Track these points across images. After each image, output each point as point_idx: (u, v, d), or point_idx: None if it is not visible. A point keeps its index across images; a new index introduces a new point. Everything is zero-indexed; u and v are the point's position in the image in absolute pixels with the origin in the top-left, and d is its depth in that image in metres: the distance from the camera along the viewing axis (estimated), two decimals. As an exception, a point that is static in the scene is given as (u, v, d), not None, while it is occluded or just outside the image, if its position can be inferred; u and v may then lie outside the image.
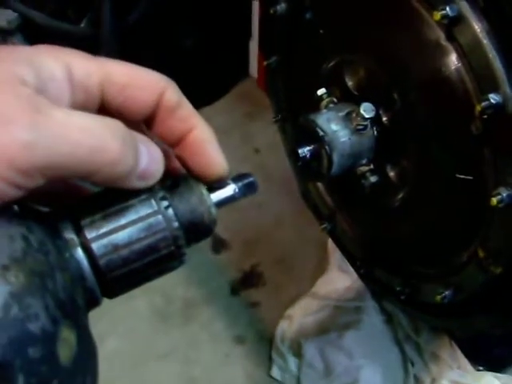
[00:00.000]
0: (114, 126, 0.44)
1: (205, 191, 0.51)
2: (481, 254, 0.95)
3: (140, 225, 0.46)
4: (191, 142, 0.52)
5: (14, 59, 0.43)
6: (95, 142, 0.42)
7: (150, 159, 0.46)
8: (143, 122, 0.53)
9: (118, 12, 1.84)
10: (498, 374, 1.47)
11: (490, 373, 1.48)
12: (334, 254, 1.82)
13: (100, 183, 0.44)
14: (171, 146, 0.53)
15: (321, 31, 1.16)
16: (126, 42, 1.88)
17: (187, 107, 0.52)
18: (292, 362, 1.70)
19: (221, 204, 0.53)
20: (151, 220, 0.47)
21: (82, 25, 1.90)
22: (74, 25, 1.89)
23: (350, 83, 1.13)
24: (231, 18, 2.33)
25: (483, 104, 0.84)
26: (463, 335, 1.16)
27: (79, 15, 1.91)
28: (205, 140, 0.52)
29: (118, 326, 1.82)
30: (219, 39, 2.34)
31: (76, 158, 0.41)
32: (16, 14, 1.74)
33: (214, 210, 0.51)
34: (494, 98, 0.83)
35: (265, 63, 1.39)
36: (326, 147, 1.04)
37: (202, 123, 0.52)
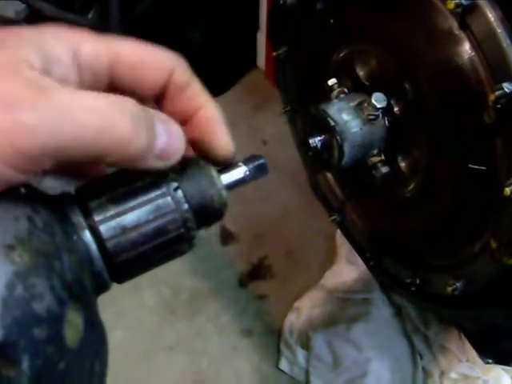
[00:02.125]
0: (124, 103, 0.42)
1: (215, 173, 0.51)
2: (493, 244, 0.94)
3: (148, 207, 0.46)
4: (199, 120, 0.51)
5: (19, 41, 0.42)
6: (102, 122, 0.40)
7: (168, 137, 0.45)
8: (153, 101, 0.52)
9: (125, 3, 1.84)
10: (507, 367, 1.47)
11: (499, 366, 1.48)
12: (343, 246, 1.82)
13: (114, 164, 0.43)
14: (180, 123, 0.52)
15: (331, 21, 1.16)
16: (134, 33, 1.87)
17: (196, 86, 0.51)
18: (300, 355, 1.70)
19: (231, 186, 0.52)
20: (160, 202, 0.46)
21: (90, 16, 1.90)
22: (82, 16, 1.88)
23: (361, 73, 1.12)
24: (239, 10, 2.33)
25: (497, 93, 0.83)
26: (474, 327, 1.15)
27: (86, 6, 1.90)
28: (213, 119, 0.52)
29: (125, 317, 1.82)
30: (227, 31, 2.33)
31: (82, 140, 0.39)
32: (24, 5, 1.74)
33: (224, 193, 0.51)
34: (507, 87, 0.82)
35: (274, 54, 1.39)
36: (337, 137, 1.03)
37: (211, 102, 0.52)
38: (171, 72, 0.49)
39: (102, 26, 1.84)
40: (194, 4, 2.13)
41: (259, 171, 0.53)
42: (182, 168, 0.50)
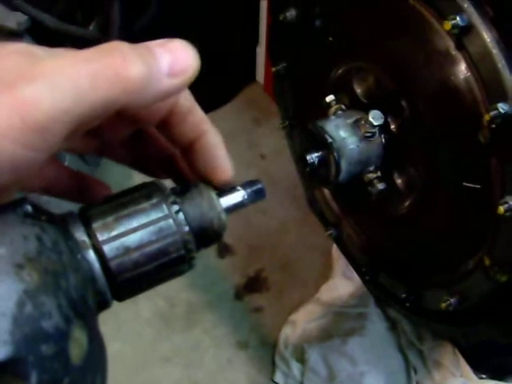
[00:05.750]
0: (107, 46, 0.42)
1: (215, 196, 0.52)
2: (487, 262, 0.95)
3: (151, 228, 0.47)
4: (201, 147, 0.52)
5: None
6: (93, 67, 0.40)
7: (173, 54, 0.44)
8: (155, 127, 0.53)
9: (126, 16, 1.85)
10: (501, 382, 1.48)
11: (493, 381, 1.49)
12: (338, 261, 1.82)
13: (133, 104, 0.42)
14: (182, 150, 0.54)
15: (330, 39, 1.17)
16: (134, 46, 1.88)
17: (199, 113, 0.52)
18: (295, 368, 1.70)
19: (230, 210, 0.53)
20: (162, 224, 0.47)
21: (91, 28, 1.91)
22: (83, 28, 1.89)
23: (358, 90, 1.13)
24: (239, 24, 2.34)
25: (492, 113, 0.84)
26: (468, 343, 1.16)
27: (87, 18, 1.91)
28: (214, 146, 0.53)
29: (122, 329, 1.83)
30: (227, 44, 2.34)
31: (82, 92, 0.39)
32: (25, 17, 1.74)
33: (223, 216, 0.52)
34: (502, 107, 0.83)
35: (273, 69, 1.40)
36: (335, 154, 1.04)
37: (212, 129, 0.53)
38: (175, 99, 0.50)
39: (103, 38, 1.85)
40: (193, 18, 2.14)
41: (257, 195, 0.55)
42: (183, 191, 0.51)
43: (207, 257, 1.99)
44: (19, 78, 0.38)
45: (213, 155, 0.53)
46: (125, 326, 1.84)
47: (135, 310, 1.87)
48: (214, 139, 0.53)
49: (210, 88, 2.17)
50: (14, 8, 1.74)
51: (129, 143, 0.56)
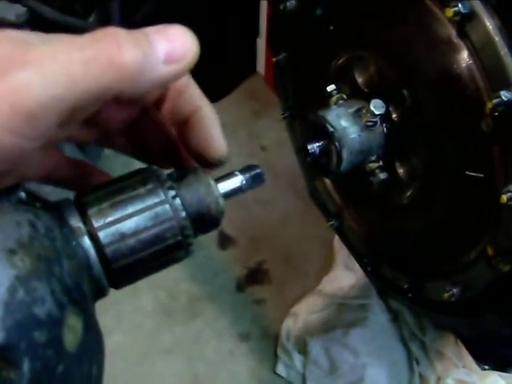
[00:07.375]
0: (102, 32, 0.41)
1: (212, 182, 0.52)
2: (489, 251, 0.95)
3: (147, 214, 0.46)
4: (195, 122, 0.53)
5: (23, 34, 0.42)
6: (86, 53, 0.39)
7: (170, 40, 0.43)
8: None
9: (126, 8, 1.84)
10: (504, 374, 1.48)
11: (496, 372, 1.48)
12: (340, 252, 1.82)
13: (128, 91, 0.42)
14: (177, 125, 0.54)
15: (331, 28, 1.16)
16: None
17: (194, 88, 0.52)
18: (297, 359, 1.70)
19: (228, 195, 0.53)
20: (158, 209, 0.47)
21: (90, 20, 1.90)
22: (82, 20, 1.88)
23: (359, 80, 1.13)
24: (239, 15, 2.33)
25: (494, 101, 0.83)
26: (470, 334, 1.15)
27: (86, 10, 1.90)
28: (208, 121, 0.53)
29: (123, 321, 1.82)
30: (227, 36, 2.34)
31: (74, 79, 0.38)
32: (25, 8, 1.74)
33: (221, 201, 0.51)
34: (505, 95, 0.83)
35: (274, 60, 1.39)
36: (336, 143, 1.04)
37: (207, 105, 0.53)
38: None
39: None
40: (194, 9, 2.13)
41: (255, 180, 0.54)
42: (180, 176, 0.51)
43: (208, 248, 1.98)
44: (10, 64, 0.38)
45: (207, 130, 0.53)
46: (126, 318, 1.83)
47: (136, 302, 1.86)
48: (208, 114, 0.53)
49: (211, 80, 2.16)
50: (14, 0, 1.73)
51: (128, 131, 0.55)
